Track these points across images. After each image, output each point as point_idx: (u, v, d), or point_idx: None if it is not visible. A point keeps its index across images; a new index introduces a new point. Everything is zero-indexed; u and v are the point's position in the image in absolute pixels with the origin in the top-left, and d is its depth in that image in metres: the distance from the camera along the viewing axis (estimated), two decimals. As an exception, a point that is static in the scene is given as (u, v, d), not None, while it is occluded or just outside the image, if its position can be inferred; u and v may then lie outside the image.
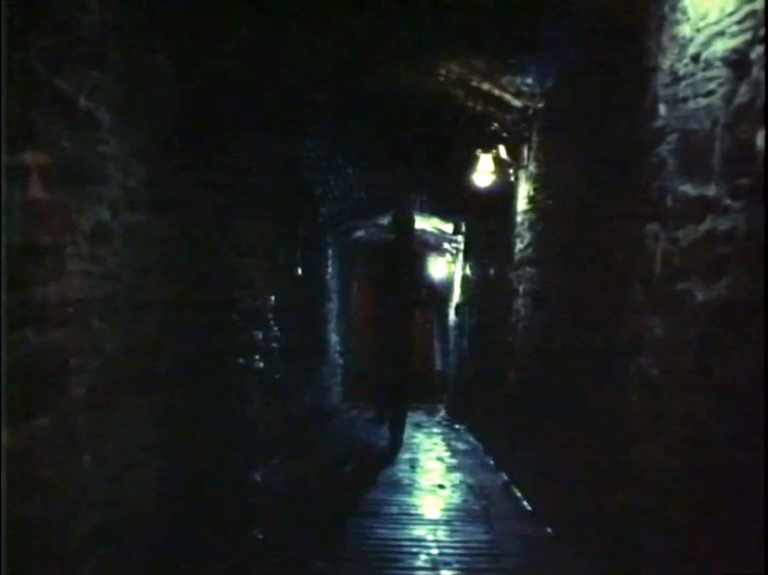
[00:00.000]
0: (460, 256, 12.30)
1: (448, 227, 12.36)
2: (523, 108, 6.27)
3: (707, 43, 2.79)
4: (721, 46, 2.67)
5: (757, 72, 2.42)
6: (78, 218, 2.93)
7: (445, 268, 14.74)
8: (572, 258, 4.87)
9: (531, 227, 6.24)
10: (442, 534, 4.96)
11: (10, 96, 2.38)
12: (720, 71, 2.67)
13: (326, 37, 5.42)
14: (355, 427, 11.08)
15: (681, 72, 3.04)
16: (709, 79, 2.76)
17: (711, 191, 2.71)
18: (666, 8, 3.22)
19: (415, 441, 9.62)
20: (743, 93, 2.51)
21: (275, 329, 7.12)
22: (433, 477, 6.92)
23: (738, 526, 2.45)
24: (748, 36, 2.48)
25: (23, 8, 2.48)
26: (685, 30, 3.01)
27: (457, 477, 6.96)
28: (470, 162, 7.11)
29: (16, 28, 2.41)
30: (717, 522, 2.60)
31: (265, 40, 5.25)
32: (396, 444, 8.26)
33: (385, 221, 12.84)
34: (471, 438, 9.54)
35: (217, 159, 5.10)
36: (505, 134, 6.80)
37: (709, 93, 2.75)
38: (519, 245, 6.63)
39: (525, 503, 5.75)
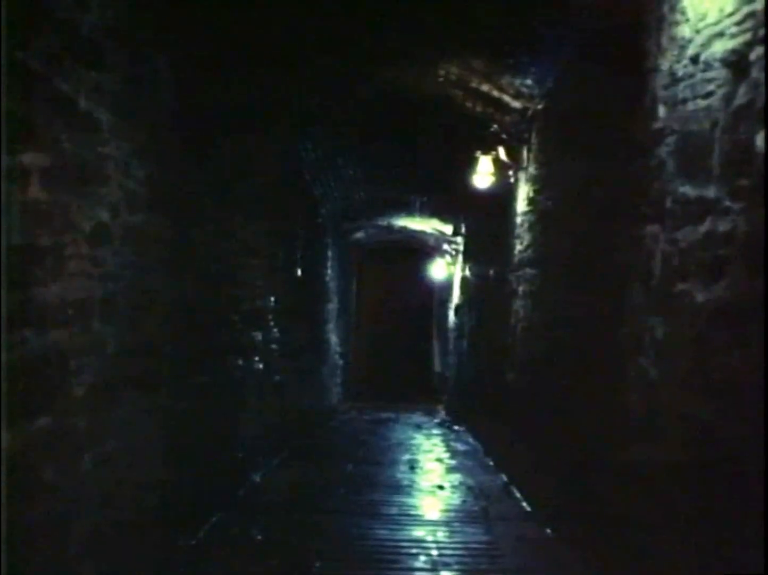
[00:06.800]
0: (460, 257, 12.31)
1: (448, 229, 12.38)
2: (522, 109, 6.28)
3: (706, 44, 2.79)
4: (720, 47, 2.68)
5: (756, 73, 2.42)
6: (78, 218, 2.93)
7: (445, 269, 14.75)
8: (572, 259, 4.87)
9: (531, 228, 6.24)
10: (441, 535, 4.95)
11: (10, 96, 2.38)
12: (719, 72, 2.68)
13: (326, 39, 5.43)
14: (355, 428, 11.09)
15: (680, 73, 3.04)
16: (709, 81, 2.76)
17: (711, 192, 2.71)
18: (665, 9, 3.23)
19: (415, 442, 9.62)
20: (742, 94, 2.51)
21: (275, 330, 7.12)
22: (432, 478, 6.92)
23: (738, 526, 2.45)
24: (747, 37, 2.49)
25: (23, 8, 2.48)
26: (684, 31, 3.01)
27: (456, 478, 6.96)
28: (470, 163, 7.11)
29: (16, 28, 2.42)
30: (717, 521, 2.60)
31: (266, 40, 5.25)
32: None
33: (385, 222, 13.25)
34: (470, 439, 9.54)
35: (217, 159, 5.10)
36: (504, 136, 6.80)
37: (709, 94, 2.75)
38: (518, 247, 6.63)
39: (524, 504, 5.75)
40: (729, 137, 2.60)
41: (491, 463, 7.61)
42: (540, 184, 6.02)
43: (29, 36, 2.53)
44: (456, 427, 10.94)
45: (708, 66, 2.77)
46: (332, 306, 12.43)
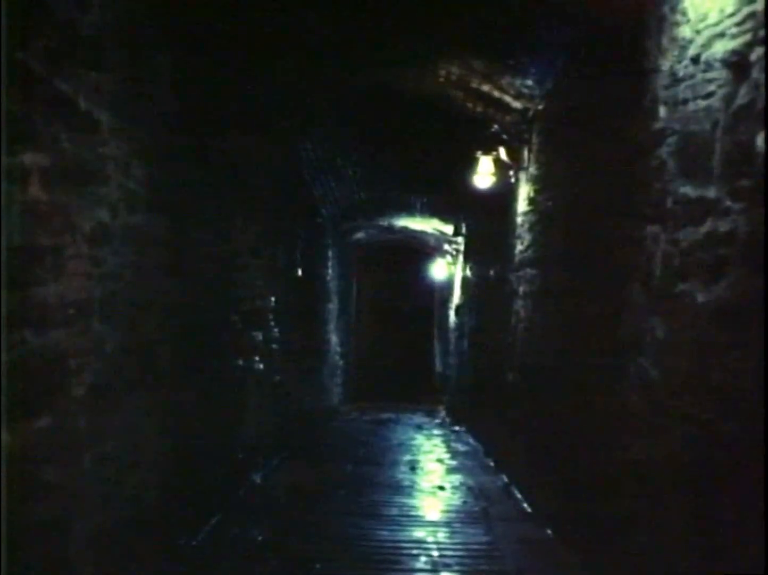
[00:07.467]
0: (461, 257, 12.31)
1: (449, 229, 12.37)
2: (523, 110, 6.27)
3: (707, 45, 2.79)
4: (720, 48, 2.68)
5: (756, 73, 2.42)
6: (78, 218, 2.93)
7: (446, 269, 14.75)
8: (572, 259, 4.87)
9: (531, 228, 6.24)
10: (442, 535, 4.95)
11: (10, 96, 2.39)
12: (720, 73, 2.68)
13: (326, 39, 5.43)
14: (355, 428, 11.09)
15: (681, 74, 3.04)
16: (709, 81, 2.76)
17: (711, 192, 2.71)
18: (666, 9, 3.23)
19: (415, 442, 9.62)
20: (743, 95, 2.51)
21: (275, 330, 7.11)
22: (433, 479, 6.91)
23: (738, 526, 2.45)
24: (747, 37, 2.49)
25: (23, 8, 2.48)
26: (684, 31, 3.01)
27: (457, 478, 6.95)
28: (470, 164, 7.11)
29: (16, 28, 2.42)
30: (717, 521, 2.59)
31: (266, 40, 5.25)
32: None
33: (385, 222, 13.29)
34: (471, 440, 9.54)
35: (217, 160, 5.10)
36: (505, 136, 6.80)
37: (709, 95, 2.75)
38: (519, 247, 6.63)
39: (525, 505, 5.74)
40: (729, 138, 2.60)
41: (492, 464, 7.60)
42: (540, 184, 6.02)
43: (29, 36, 2.54)
44: (456, 427, 10.94)
45: (709, 66, 2.77)
46: (332, 306, 12.42)
